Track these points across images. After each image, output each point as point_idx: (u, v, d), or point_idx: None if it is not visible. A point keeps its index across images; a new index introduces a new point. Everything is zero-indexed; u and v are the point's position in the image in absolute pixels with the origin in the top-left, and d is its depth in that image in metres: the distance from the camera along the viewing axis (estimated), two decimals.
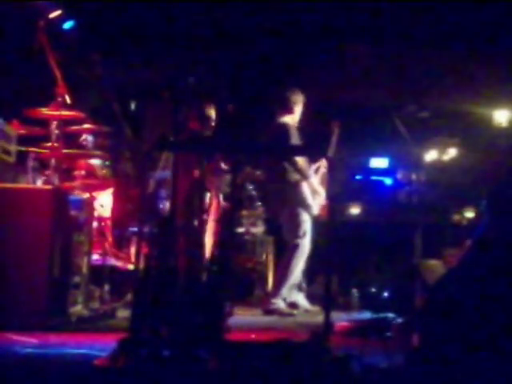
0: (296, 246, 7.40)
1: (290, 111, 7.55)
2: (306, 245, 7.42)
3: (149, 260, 4.16)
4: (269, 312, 7.29)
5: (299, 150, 6.75)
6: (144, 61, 9.10)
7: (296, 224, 7.42)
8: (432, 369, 3.55)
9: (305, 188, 7.44)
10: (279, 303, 7.32)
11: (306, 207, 7.44)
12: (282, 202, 7.50)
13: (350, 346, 4.24)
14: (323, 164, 7.53)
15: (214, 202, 7.45)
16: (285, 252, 7.58)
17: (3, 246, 5.59)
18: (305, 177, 7.43)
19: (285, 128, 7.44)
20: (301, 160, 7.38)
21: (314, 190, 7.49)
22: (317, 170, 7.62)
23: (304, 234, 7.40)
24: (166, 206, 6.78)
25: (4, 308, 5.44)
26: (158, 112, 7.91)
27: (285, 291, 7.37)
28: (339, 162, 7.79)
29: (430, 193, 6.38)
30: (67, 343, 4.63)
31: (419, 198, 6.02)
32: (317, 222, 7.52)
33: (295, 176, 7.41)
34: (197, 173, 5.68)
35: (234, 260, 8.28)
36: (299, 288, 7.65)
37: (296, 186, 7.42)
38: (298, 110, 7.63)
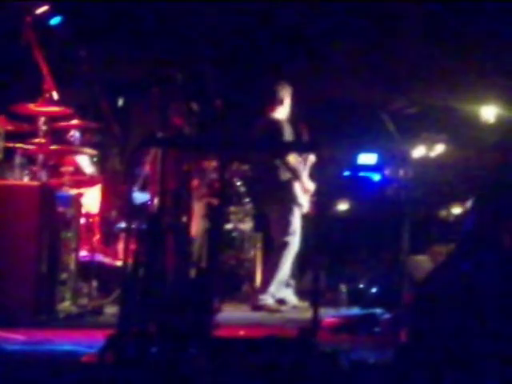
0: (285, 244, 7.38)
1: (279, 103, 7.53)
2: (295, 243, 7.41)
3: (137, 256, 4.15)
4: (257, 308, 7.29)
5: (289, 146, 6.75)
6: (132, 57, 9.08)
7: (286, 222, 7.39)
8: (420, 364, 3.56)
9: (296, 186, 7.41)
10: (267, 299, 7.32)
11: (297, 205, 7.41)
12: (273, 199, 7.48)
13: (339, 342, 4.25)
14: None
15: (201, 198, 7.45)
16: (273, 249, 7.57)
17: None
18: (296, 176, 7.39)
19: (277, 125, 7.42)
20: (293, 159, 7.37)
21: (304, 189, 7.44)
22: (305, 161, 7.57)
23: (294, 232, 7.38)
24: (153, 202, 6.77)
25: None
26: (145, 108, 7.90)
27: (273, 288, 7.37)
28: (328, 158, 7.79)
29: (417, 189, 6.39)
30: (55, 340, 4.62)
31: (407, 194, 6.02)
32: (305, 219, 7.51)
33: (287, 174, 7.38)
34: (185, 169, 5.68)
35: (222, 256, 8.28)
36: (287, 284, 7.65)
37: (287, 185, 7.39)
38: (287, 102, 7.59)
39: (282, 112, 7.55)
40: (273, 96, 7.55)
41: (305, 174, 7.48)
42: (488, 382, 3.41)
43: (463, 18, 8.89)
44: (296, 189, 7.41)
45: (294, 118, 7.65)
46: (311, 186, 7.45)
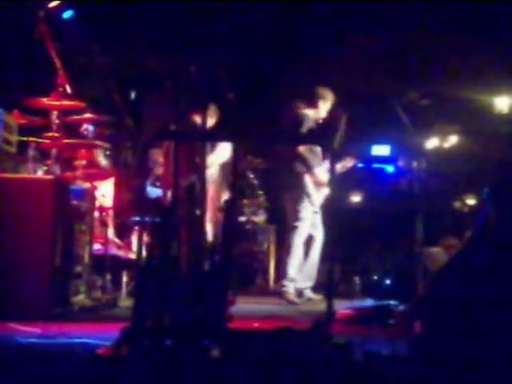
0: (294, 228, 7.60)
1: (314, 105, 7.69)
2: (304, 228, 7.56)
3: (151, 249, 4.15)
4: (277, 294, 7.35)
5: (301, 140, 6.88)
6: (145, 50, 9.08)
7: (296, 209, 7.60)
8: (434, 356, 3.55)
9: (307, 179, 7.56)
10: (289, 286, 7.38)
11: (308, 196, 7.55)
12: (286, 188, 7.67)
13: (353, 334, 4.24)
14: (346, 165, 7.71)
15: (214, 190, 7.47)
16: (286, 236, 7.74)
17: (5, 236, 5.59)
18: (308, 167, 7.54)
19: (301, 118, 7.58)
20: (304, 151, 7.51)
21: (317, 182, 7.58)
22: (320, 156, 7.73)
23: (302, 218, 7.57)
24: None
25: (6, 298, 5.45)
26: (158, 101, 7.90)
27: (291, 272, 7.44)
28: (343, 152, 7.88)
29: (431, 180, 6.37)
30: (69, 333, 4.64)
31: (420, 186, 6.01)
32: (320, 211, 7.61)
33: (300, 167, 7.54)
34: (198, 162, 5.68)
35: (235, 249, 8.29)
36: (310, 276, 7.66)
37: (299, 177, 7.56)
38: (324, 106, 7.74)
39: (314, 112, 7.69)
40: (309, 97, 7.72)
41: (320, 168, 7.59)
42: (504, 374, 3.40)
43: (476, 9, 8.84)
44: (307, 181, 7.55)
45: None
46: (325, 178, 7.54)
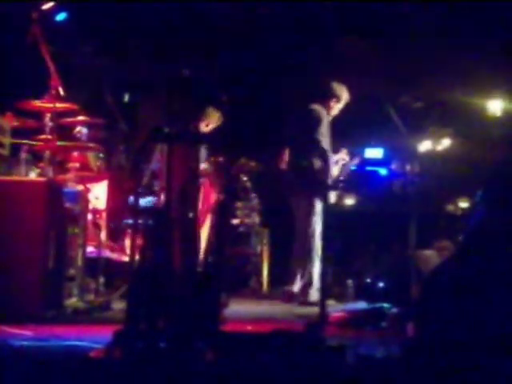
0: (313, 233, 7.41)
1: (326, 103, 7.60)
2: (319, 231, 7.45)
3: (144, 252, 4.15)
4: (307, 304, 7.26)
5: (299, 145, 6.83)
6: (138, 53, 9.07)
7: (313, 212, 7.41)
8: (427, 359, 3.55)
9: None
10: (314, 295, 7.31)
11: (324, 194, 7.47)
12: (301, 189, 7.49)
13: (346, 337, 4.25)
14: (343, 157, 7.67)
15: (210, 193, 7.47)
16: (300, 240, 7.54)
17: None
18: (325, 160, 7.41)
19: (316, 114, 7.49)
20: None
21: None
22: (336, 162, 7.70)
23: (317, 221, 7.43)
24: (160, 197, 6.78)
25: None
26: (152, 104, 7.90)
27: (315, 280, 7.38)
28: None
29: (424, 183, 6.38)
30: (62, 335, 4.63)
31: (413, 189, 6.02)
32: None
33: (318, 162, 7.39)
34: (192, 165, 5.69)
35: (229, 251, 8.29)
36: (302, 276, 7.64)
37: (317, 174, 7.43)
38: (337, 105, 7.64)
39: (325, 108, 7.61)
40: (325, 93, 7.63)
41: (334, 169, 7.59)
42: (497, 375, 3.41)
43: (468, 12, 8.87)
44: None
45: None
46: (335, 172, 7.57)
